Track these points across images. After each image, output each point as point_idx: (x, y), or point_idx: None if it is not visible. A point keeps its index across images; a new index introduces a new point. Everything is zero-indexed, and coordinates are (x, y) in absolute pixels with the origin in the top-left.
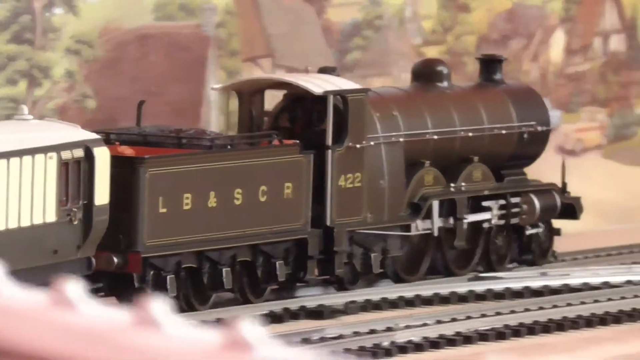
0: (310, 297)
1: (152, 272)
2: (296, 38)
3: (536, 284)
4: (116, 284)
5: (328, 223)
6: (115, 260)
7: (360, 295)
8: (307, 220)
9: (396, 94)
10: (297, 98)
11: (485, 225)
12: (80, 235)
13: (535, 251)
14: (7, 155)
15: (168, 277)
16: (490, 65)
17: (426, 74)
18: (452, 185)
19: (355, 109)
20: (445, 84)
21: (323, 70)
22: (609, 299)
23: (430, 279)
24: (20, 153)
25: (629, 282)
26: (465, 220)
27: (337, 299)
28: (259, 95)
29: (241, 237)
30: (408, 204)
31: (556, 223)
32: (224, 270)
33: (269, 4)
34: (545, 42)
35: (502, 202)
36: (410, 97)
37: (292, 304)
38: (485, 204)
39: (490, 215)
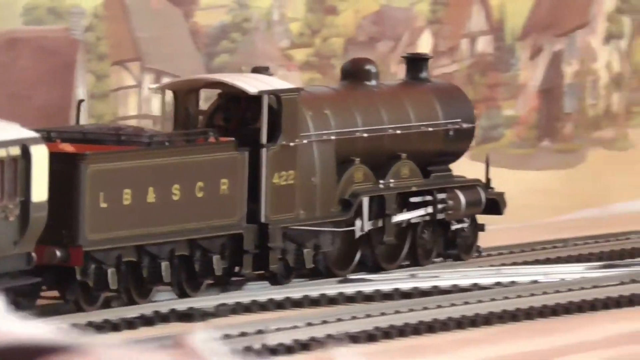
0: (168, 301)
1: (93, 266)
2: (164, 41)
3: (406, 286)
4: (58, 278)
5: (262, 219)
6: (58, 254)
7: (230, 297)
8: (243, 216)
9: (327, 93)
10: (231, 97)
11: (413, 220)
12: (16, 231)
13: (460, 246)
14: None
15: (109, 270)
16: (416, 63)
17: (355, 72)
18: (381, 182)
19: (288, 108)
20: (373, 82)
21: (256, 70)
22: (479, 301)
23: (361, 272)
24: None
25: (498, 284)
26: (393, 219)
27: (207, 301)
28: (194, 94)
29: (179, 232)
30: (339, 200)
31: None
32: (162, 264)
33: (137, 8)
34: (412, 44)
35: (429, 197)
36: (341, 96)
37: (163, 307)
38: (413, 200)
39: (417, 214)
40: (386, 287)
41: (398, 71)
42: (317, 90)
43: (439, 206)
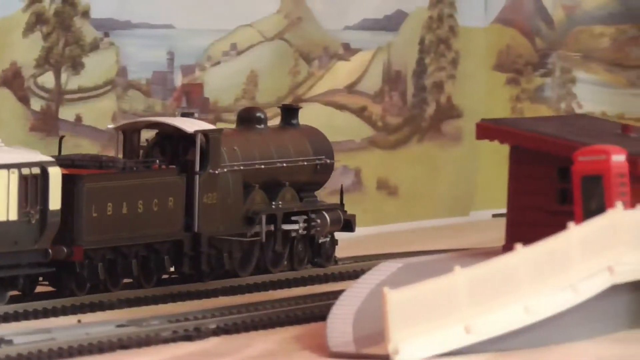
0: None
1: (86, 261)
2: None
3: None
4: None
5: (196, 230)
6: (65, 250)
7: None
8: (182, 226)
9: (233, 134)
10: (166, 136)
11: (293, 234)
12: (37, 232)
13: (323, 256)
14: None
15: (99, 264)
16: (290, 112)
17: (249, 118)
18: (273, 203)
19: (214, 144)
20: (262, 126)
21: (185, 115)
22: None
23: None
24: None
25: None
26: (280, 230)
27: None
28: (137, 133)
29: (142, 237)
30: (244, 217)
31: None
32: (132, 261)
33: None
34: None
35: (305, 217)
36: (243, 136)
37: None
38: (293, 218)
39: (297, 227)
40: None
41: None
42: (227, 132)
43: (312, 224)
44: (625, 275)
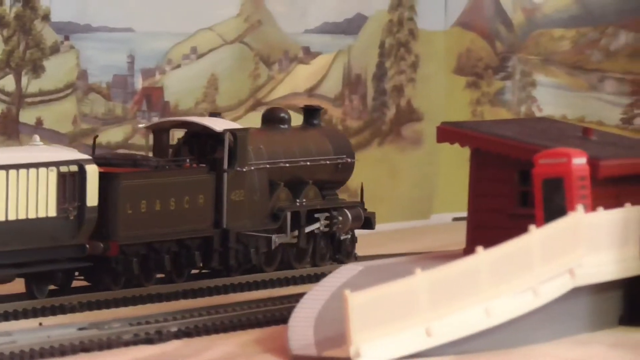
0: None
1: (121, 257)
2: None
3: None
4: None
5: (224, 226)
6: (102, 246)
7: None
8: (212, 222)
9: (259, 133)
10: (195, 134)
11: (316, 231)
12: (75, 227)
13: (344, 253)
14: (22, 166)
15: (134, 260)
16: (312, 113)
17: (273, 118)
18: (297, 201)
19: (241, 143)
20: (286, 126)
21: (213, 114)
22: None
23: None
24: (30, 166)
25: None
26: (306, 229)
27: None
28: (166, 132)
29: (173, 233)
30: (270, 213)
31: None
32: (165, 257)
33: None
34: None
35: (327, 214)
36: (268, 135)
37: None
38: (316, 215)
39: (319, 225)
40: None
41: None
42: (252, 131)
43: (334, 221)
44: (585, 277)
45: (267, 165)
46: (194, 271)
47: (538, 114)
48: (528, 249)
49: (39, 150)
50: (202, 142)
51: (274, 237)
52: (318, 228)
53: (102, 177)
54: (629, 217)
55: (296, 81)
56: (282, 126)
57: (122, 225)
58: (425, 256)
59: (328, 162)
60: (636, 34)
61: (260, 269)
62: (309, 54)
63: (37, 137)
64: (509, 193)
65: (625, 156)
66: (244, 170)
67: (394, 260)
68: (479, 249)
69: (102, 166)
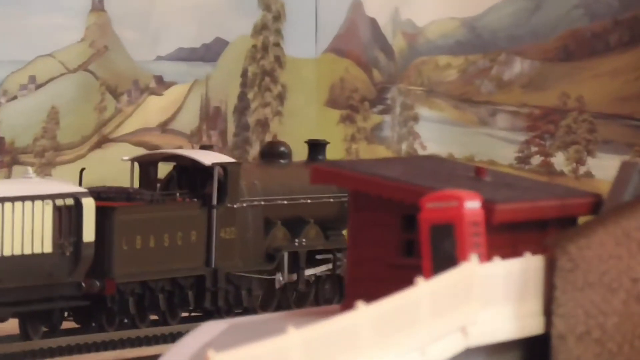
0: None
1: (117, 296)
2: None
3: None
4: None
5: (213, 265)
6: (98, 284)
7: None
8: (204, 261)
9: (254, 168)
10: (183, 168)
11: (319, 273)
12: (72, 264)
13: None
14: (17, 199)
15: (130, 299)
16: (316, 147)
17: (272, 153)
18: (296, 240)
19: (232, 177)
20: (286, 161)
21: (204, 147)
22: None
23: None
24: (25, 199)
25: None
26: (305, 272)
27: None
28: (154, 165)
29: (167, 272)
30: (265, 253)
31: None
32: (160, 296)
33: None
34: None
35: (330, 255)
36: (264, 170)
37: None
38: (318, 257)
39: (322, 269)
40: None
41: None
42: (247, 166)
43: (338, 263)
44: (480, 337)
45: (262, 202)
46: (184, 314)
47: (421, 152)
48: (415, 304)
49: (32, 183)
50: (191, 176)
51: (277, 276)
52: (319, 271)
53: (97, 211)
54: (529, 268)
55: (147, 115)
56: (281, 161)
57: (119, 262)
58: (298, 313)
59: (332, 199)
60: (532, 62)
61: (255, 312)
62: (161, 84)
63: (29, 170)
64: (392, 241)
65: (523, 199)
66: (235, 206)
67: (263, 317)
68: (359, 304)
69: (94, 200)
